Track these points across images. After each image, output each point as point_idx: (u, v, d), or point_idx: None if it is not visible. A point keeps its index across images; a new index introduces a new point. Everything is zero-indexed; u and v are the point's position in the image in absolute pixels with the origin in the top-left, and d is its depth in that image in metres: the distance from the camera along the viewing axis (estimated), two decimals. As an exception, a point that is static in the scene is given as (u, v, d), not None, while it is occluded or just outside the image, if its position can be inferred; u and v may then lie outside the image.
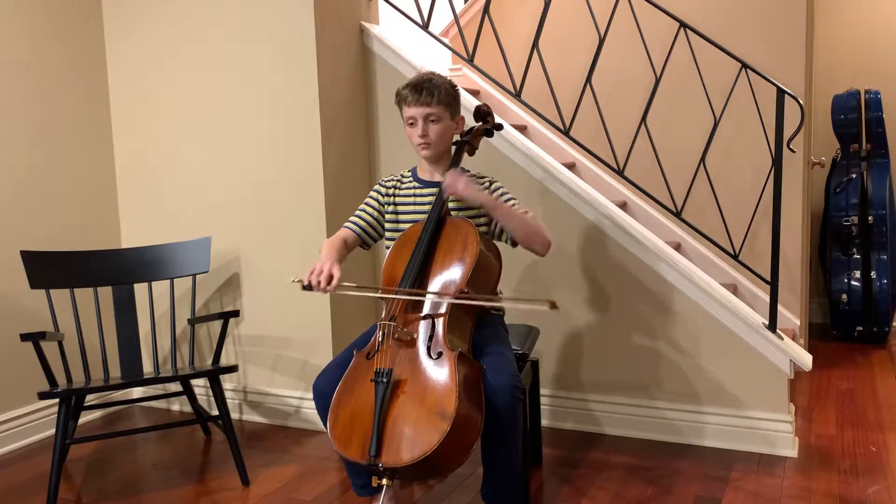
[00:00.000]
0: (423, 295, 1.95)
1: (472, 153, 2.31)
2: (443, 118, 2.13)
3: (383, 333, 1.94)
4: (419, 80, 2.14)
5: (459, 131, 2.25)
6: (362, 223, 2.26)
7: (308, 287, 1.96)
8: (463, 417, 1.74)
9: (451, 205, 2.18)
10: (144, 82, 3.28)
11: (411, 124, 2.14)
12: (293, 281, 2.01)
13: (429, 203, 2.15)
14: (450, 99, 2.14)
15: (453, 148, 2.25)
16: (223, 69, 3.08)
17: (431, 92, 2.10)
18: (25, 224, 3.04)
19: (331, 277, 1.95)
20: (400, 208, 2.24)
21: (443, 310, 1.93)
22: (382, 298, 2.07)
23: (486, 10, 2.90)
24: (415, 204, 2.22)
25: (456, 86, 2.20)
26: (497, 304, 2.11)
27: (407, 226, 2.18)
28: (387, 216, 2.26)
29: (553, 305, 1.83)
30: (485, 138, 2.59)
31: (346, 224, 2.27)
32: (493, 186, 2.22)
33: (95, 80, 3.32)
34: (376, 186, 2.31)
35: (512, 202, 2.17)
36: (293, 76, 2.94)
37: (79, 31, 3.24)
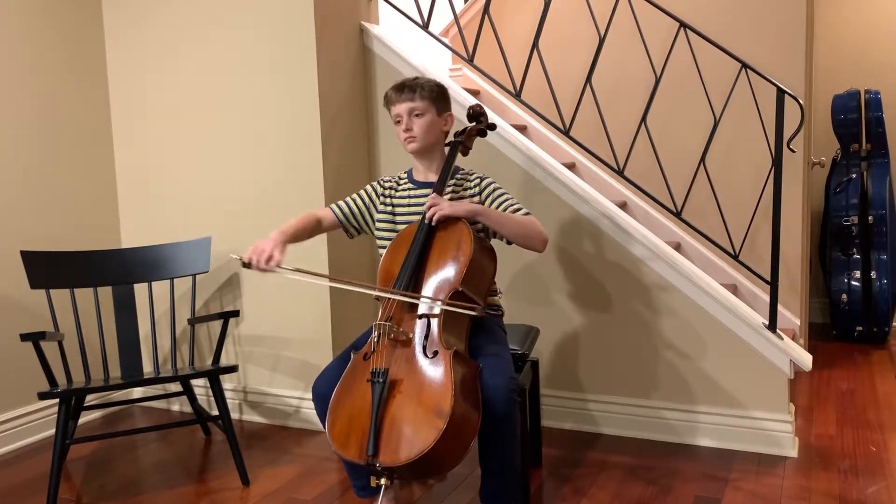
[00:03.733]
0: (370, 287, 1.97)
1: (465, 153, 2.31)
2: (427, 112, 2.16)
3: (379, 334, 1.94)
4: (404, 80, 2.20)
5: (448, 128, 2.25)
6: (346, 210, 2.30)
7: (248, 265, 2.03)
8: (459, 415, 1.74)
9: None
10: (144, 82, 3.28)
11: (398, 122, 2.19)
12: (235, 257, 2.09)
13: (423, 203, 2.15)
14: (434, 95, 2.18)
15: (446, 149, 2.26)
16: (223, 69, 3.09)
17: (414, 88, 2.15)
18: (25, 224, 3.04)
19: (270, 258, 2.02)
20: (396, 209, 2.25)
21: (437, 309, 1.93)
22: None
23: (486, 10, 2.90)
24: (410, 205, 2.23)
25: (442, 84, 2.22)
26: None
27: (403, 226, 2.19)
28: (384, 216, 2.26)
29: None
30: (482, 138, 2.58)
31: (331, 205, 2.31)
32: (483, 184, 2.22)
33: (95, 80, 3.32)
34: (374, 183, 2.33)
35: (505, 198, 2.17)
36: (293, 76, 2.94)
37: (79, 31, 3.25)
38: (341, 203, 2.31)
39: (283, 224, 2.18)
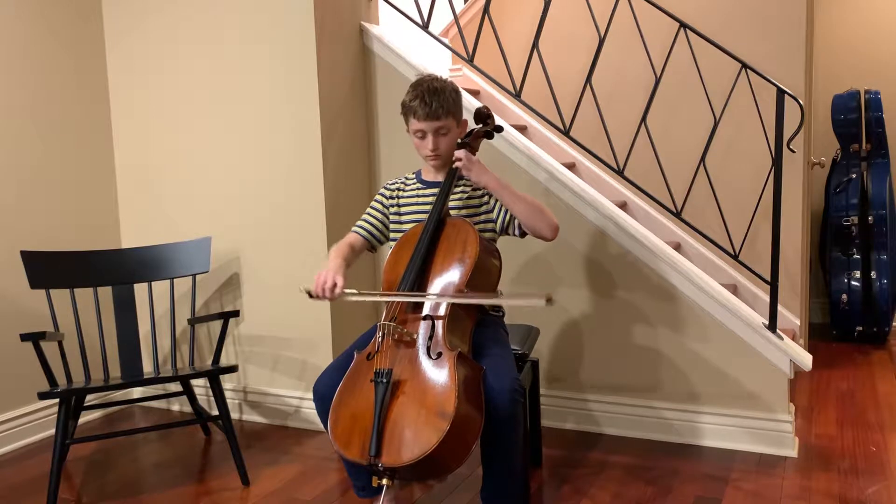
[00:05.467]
0: (424, 296, 1.97)
1: (472, 154, 2.31)
2: (451, 129, 2.16)
3: (383, 334, 1.94)
4: (425, 90, 2.12)
5: (463, 133, 2.26)
6: (368, 226, 2.29)
7: (314, 296, 2.03)
8: (462, 417, 1.75)
9: (451, 204, 2.19)
10: (144, 82, 3.28)
11: (420, 137, 2.16)
12: (301, 290, 2.08)
13: (430, 203, 2.16)
14: (456, 107, 2.16)
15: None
16: (223, 69, 3.08)
17: (441, 104, 2.10)
18: (25, 224, 3.04)
19: (334, 286, 2.01)
20: (403, 209, 2.26)
21: (442, 310, 1.93)
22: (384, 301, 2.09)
23: (486, 10, 2.90)
24: (417, 204, 2.24)
25: (458, 89, 2.21)
26: (494, 302, 2.14)
27: (409, 226, 2.20)
28: (393, 217, 2.28)
29: (549, 300, 1.84)
30: (485, 140, 2.58)
31: (354, 228, 2.30)
32: None
33: (95, 80, 3.32)
34: (381, 190, 2.34)
35: None
36: (293, 76, 2.94)
37: (79, 31, 3.24)
38: (361, 223, 2.30)
39: (331, 252, 2.19)
